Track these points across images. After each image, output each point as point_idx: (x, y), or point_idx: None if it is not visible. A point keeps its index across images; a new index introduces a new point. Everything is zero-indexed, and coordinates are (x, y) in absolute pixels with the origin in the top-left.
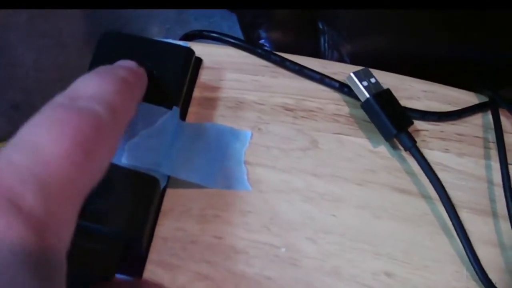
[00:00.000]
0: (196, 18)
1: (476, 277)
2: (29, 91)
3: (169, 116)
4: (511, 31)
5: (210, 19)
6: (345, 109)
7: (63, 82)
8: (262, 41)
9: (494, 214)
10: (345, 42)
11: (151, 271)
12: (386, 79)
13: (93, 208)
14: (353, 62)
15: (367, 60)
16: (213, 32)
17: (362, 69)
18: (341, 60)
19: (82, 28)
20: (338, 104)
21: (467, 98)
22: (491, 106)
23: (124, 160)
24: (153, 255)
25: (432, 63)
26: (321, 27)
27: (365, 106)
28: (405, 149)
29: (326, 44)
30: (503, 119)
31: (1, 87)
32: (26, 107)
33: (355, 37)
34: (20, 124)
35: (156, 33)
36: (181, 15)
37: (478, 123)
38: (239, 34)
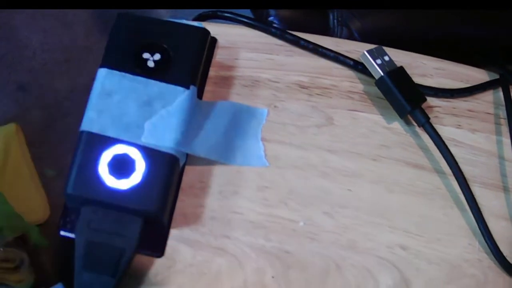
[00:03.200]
0: None
1: (488, 249)
2: (35, 72)
3: (186, 95)
4: None
5: None
6: (359, 86)
7: (70, 62)
8: (271, 18)
9: (505, 189)
10: (355, 18)
11: (172, 247)
12: (399, 56)
13: (115, 188)
14: (362, 39)
15: (377, 37)
16: (227, 12)
17: (375, 47)
18: (350, 37)
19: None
20: (352, 82)
21: (478, 76)
22: (502, 83)
23: (143, 139)
24: (174, 232)
25: (442, 41)
26: None
27: (379, 83)
28: (419, 125)
29: (335, 21)
30: None
31: (8, 69)
32: (33, 88)
33: (365, 14)
34: (27, 105)
35: (164, 13)
36: None
37: (489, 99)
38: (247, 11)
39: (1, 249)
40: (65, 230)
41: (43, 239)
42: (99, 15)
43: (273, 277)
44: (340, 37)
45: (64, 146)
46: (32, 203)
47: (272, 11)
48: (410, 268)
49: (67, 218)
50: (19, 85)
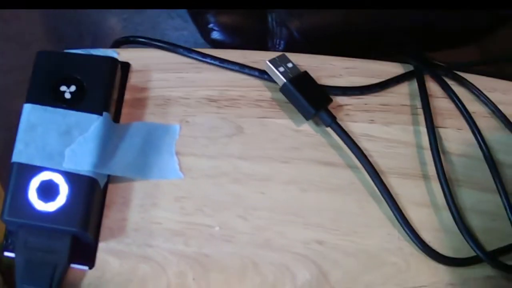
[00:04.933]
0: None
1: (409, 238)
2: None
3: (100, 122)
4: None
5: None
6: (267, 94)
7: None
8: (211, 25)
9: (425, 177)
10: (293, 18)
11: (101, 259)
12: (307, 61)
13: (43, 210)
14: (302, 37)
15: (316, 34)
16: (139, 37)
17: (278, 56)
18: (290, 36)
19: (42, 27)
20: (260, 90)
21: (392, 69)
22: (416, 74)
23: (64, 165)
24: (102, 245)
25: (380, 33)
26: None
27: (283, 90)
28: (326, 126)
29: (274, 22)
30: (431, 85)
31: None
32: None
33: (303, 13)
34: None
35: (115, 23)
36: None
37: (404, 91)
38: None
39: None
40: (7, 251)
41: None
42: (54, 31)
43: (194, 279)
44: (281, 37)
45: None
46: (0, 224)
47: (211, 18)
48: (327, 261)
49: (9, 240)
50: None
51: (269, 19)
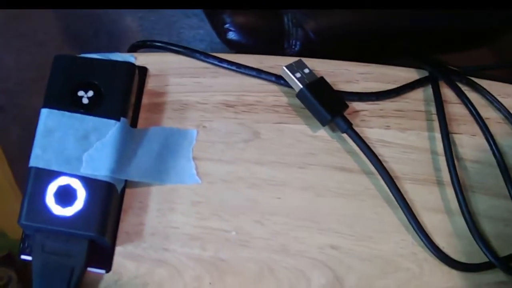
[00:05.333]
0: None
1: (423, 243)
2: (12, 92)
3: (118, 127)
4: None
5: None
6: (284, 100)
7: (45, 80)
8: (227, 26)
9: (440, 183)
10: (309, 19)
11: (118, 263)
12: (323, 66)
13: (61, 215)
14: (318, 38)
15: (332, 35)
16: (156, 41)
17: (295, 61)
18: (306, 37)
19: (56, 25)
20: (276, 96)
21: (407, 75)
22: (431, 80)
23: (82, 170)
24: (119, 248)
25: (395, 34)
26: None
27: (300, 96)
28: (342, 132)
29: (289, 23)
30: (446, 91)
31: None
32: (11, 108)
33: (319, 14)
34: (6, 124)
35: (130, 22)
36: None
37: (419, 97)
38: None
39: None
40: (24, 254)
41: None
42: (68, 30)
43: (210, 283)
44: (296, 38)
45: None
46: (16, 221)
47: (227, 18)
48: (342, 266)
49: (26, 244)
50: None
51: (285, 19)
